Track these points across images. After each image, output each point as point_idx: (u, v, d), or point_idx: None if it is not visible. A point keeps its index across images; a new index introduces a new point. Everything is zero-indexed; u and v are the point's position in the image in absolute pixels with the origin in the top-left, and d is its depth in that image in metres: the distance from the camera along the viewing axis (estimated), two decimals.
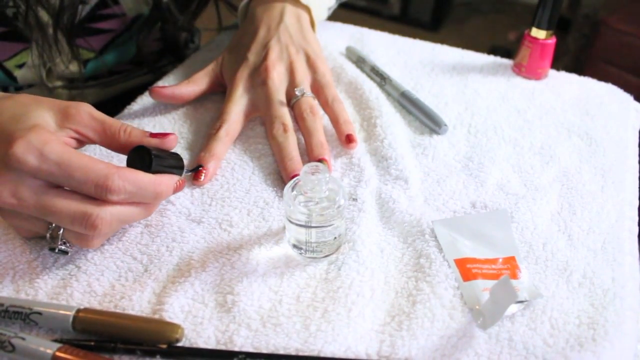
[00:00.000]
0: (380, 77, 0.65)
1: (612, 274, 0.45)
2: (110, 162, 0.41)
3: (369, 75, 0.67)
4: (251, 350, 0.39)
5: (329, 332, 0.40)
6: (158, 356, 0.38)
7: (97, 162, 0.40)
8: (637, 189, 0.55)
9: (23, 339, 0.37)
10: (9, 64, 0.64)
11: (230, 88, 0.58)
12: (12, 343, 0.37)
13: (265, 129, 0.58)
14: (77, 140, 0.44)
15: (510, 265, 0.45)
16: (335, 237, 0.45)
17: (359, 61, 0.69)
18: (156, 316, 0.41)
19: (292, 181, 0.44)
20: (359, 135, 0.58)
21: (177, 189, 0.46)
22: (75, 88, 0.70)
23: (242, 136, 0.58)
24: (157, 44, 0.77)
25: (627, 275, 0.45)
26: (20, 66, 0.65)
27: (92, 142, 0.45)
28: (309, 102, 0.56)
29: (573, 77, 0.70)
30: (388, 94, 0.64)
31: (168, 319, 0.40)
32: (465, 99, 0.65)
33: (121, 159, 0.49)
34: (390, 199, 0.50)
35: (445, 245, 0.46)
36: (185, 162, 0.54)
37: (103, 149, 0.49)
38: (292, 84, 0.58)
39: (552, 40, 0.66)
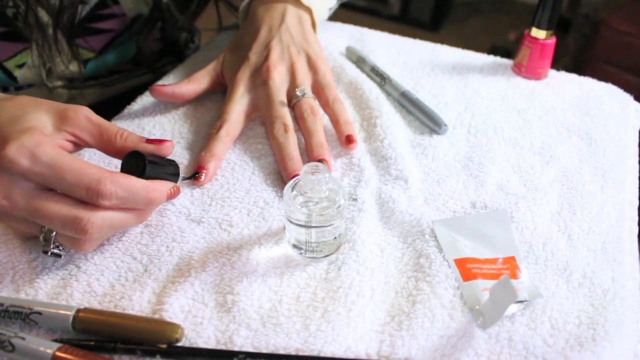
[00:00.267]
0: (380, 77, 0.65)
1: (612, 274, 0.45)
2: (103, 167, 0.41)
3: (369, 75, 0.67)
4: (251, 350, 0.39)
5: (329, 332, 0.40)
6: (158, 356, 0.38)
7: (89, 166, 0.40)
8: (637, 189, 0.55)
9: (23, 338, 0.37)
10: (9, 64, 0.64)
11: (231, 88, 0.58)
12: (12, 343, 0.37)
13: (265, 129, 0.58)
14: (74, 143, 0.44)
15: (510, 265, 0.45)
16: (335, 237, 0.45)
17: (359, 61, 0.69)
18: (156, 316, 0.41)
19: (292, 181, 0.44)
20: (359, 135, 0.58)
21: (171, 196, 0.45)
22: (75, 88, 0.70)
23: (242, 136, 0.58)
24: (157, 44, 0.77)
25: (627, 275, 0.45)
26: (20, 66, 0.65)
27: (89, 145, 0.44)
28: (310, 102, 0.57)
29: (573, 77, 0.70)
30: (388, 94, 0.64)
31: (168, 319, 0.40)
32: (465, 99, 0.65)
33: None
34: (390, 199, 0.50)
35: (445, 245, 0.46)
36: (185, 161, 0.55)
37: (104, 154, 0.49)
38: (293, 84, 0.58)
39: (552, 40, 0.66)
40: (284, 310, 0.41)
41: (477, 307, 0.42)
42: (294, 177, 0.47)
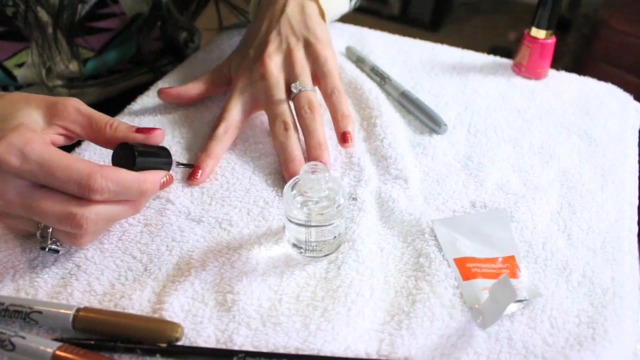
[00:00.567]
0: (380, 77, 0.65)
1: (612, 274, 0.45)
2: (93, 162, 0.40)
3: (368, 75, 0.67)
4: (251, 349, 0.39)
5: (329, 331, 0.40)
6: (158, 355, 0.38)
7: (79, 162, 0.40)
8: (637, 189, 0.55)
9: (23, 337, 0.38)
10: (9, 63, 0.64)
11: (231, 85, 0.58)
12: (12, 342, 0.37)
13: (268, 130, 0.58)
14: (66, 136, 0.44)
15: (510, 264, 0.45)
16: (335, 236, 0.45)
17: (359, 61, 0.69)
18: (156, 315, 0.41)
19: (292, 180, 0.44)
20: (358, 134, 0.58)
21: (164, 185, 0.45)
22: (75, 87, 0.70)
23: (242, 136, 0.58)
24: (157, 43, 0.77)
25: (627, 275, 0.45)
26: (20, 65, 0.65)
27: (80, 137, 0.44)
28: (308, 97, 0.55)
29: (573, 77, 0.70)
30: (388, 94, 0.64)
31: (168, 318, 0.40)
32: (465, 98, 0.65)
33: None
34: (390, 199, 0.50)
35: (444, 245, 0.46)
36: (185, 161, 0.54)
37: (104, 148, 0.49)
38: (291, 75, 0.56)
39: (552, 40, 0.66)
40: (284, 309, 0.41)
41: (476, 306, 0.42)
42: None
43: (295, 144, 0.53)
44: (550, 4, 0.64)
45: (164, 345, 0.39)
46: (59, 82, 0.68)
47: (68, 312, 0.39)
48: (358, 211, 0.49)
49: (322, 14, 0.62)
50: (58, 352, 0.37)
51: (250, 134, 0.58)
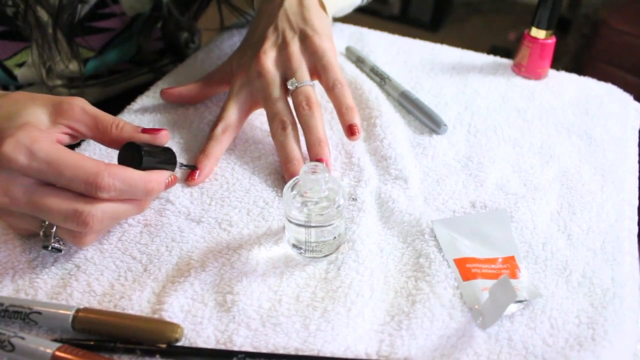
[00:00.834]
0: (380, 77, 0.65)
1: (612, 274, 0.45)
2: (100, 160, 0.41)
3: (368, 75, 0.67)
4: (251, 349, 0.39)
5: (329, 331, 0.40)
6: (158, 356, 0.38)
7: (86, 160, 0.40)
8: (637, 189, 0.55)
9: (23, 338, 0.37)
10: (9, 63, 0.64)
11: (230, 85, 0.58)
12: (11, 342, 0.37)
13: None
14: (71, 135, 0.44)
15: (510, 264, 0.45)
16: (334, 237, 0.45)
17: (359, 61, 0.69)
18: (156, 316, 0.41)
19: (291, 181, 0.44)
20: None
21: (168, 185, 0.45)
22: (75, 87, 0.70)
23: (242, 136, 0.57)
24: (157, 43, 0.77)
25: (627, 275, 0.45)
26: (21, 65, 0.65)
27: (85, 136, 0.45)
28: (305, 92, 0.54)
29: (573, 77, 0.70)
30: (388, 94, 0.64)
31: (167, 319, 0.40)
32: (465, 98, 0.65)
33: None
34: (390, 199, 0.50)
35: (444, 245, 0.46)
36: (185, 162, 0.54)
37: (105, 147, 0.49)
38: (288, 71, 0.55)
39: (552, 40, 0.66)
40: (284, 309, 0.41)
41: (476, 306, 0.42)
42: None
43: (293, 144, 0.53)
44: (550, 4, 0.64)
45: (163, 346, 0.39)
46: (59, 82, 0.68)
47: (67, 312, 0.39)
48: (358, 211, 0.49)
49: (323, 6, 0.60)
50: (57, 353, 0.37)
51: (250, 134, 0.58)
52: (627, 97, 0.67)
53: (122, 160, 0.44)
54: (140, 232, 0.47)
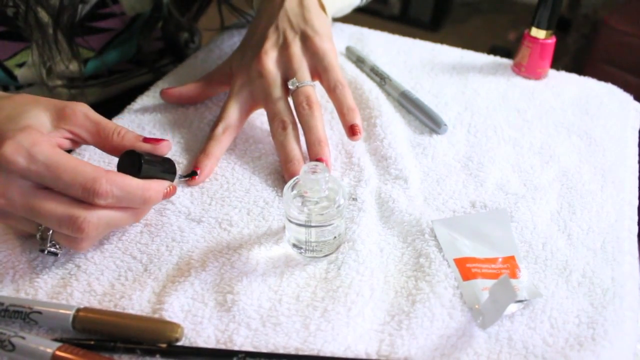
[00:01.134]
0: (380, 77, 0.65)
1: (612, 274, 0.45)
2: (100, 166, 0.40)
3: (368, 75, 0.67)
4: (251, 349, 0.39)
5: (329, 331, 0.40)
6: (158, 355, 0.38)
7: (85, 165, 0.40)
8: (637, 189, 0.55)
9: (23, 338, 0.38)
10: (10, 63, 0.64)
11: (231, 85, 0.58)
12: (12, 342, 0.37)
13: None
14: (72, 140, 0.44)
15: (510, 264, 0.45)
16: (335, 237, 0.45)
17: (359, 61, 0.69)
18: (156, 315, 0.41)
19: (292, 181, 0.44)
20: None
21: (167, 195, 0.45)
22: (75, 87, 0.70)
23: (242, 136, 0.57)
24: (157, 43, 0.77)
25: (627, 275, 0.45)
26: (21, 65, 0.65)
27: (86, 142, 0.44)
28: (306, 92, 0.54)
29: (573, 77, 0.70)
30: (388, 94, 0.64)
31: (168, 318, 0.40)
32: (465, 98, 0.65)
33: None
34: (390, 199, 0.50)
35: (444, 245, 0.46)
36: (185, 162, 0.55)
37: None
38: (289, 71, 0.55)
39: (552, 40, 0.66)
40: (284, 309, 0.41)
41: (476, 306, 0.42)
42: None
43: (293, 144, 0.53)
44: (550, 4, 0.64)
45: (163, 345, 0.39)
46: (59, 82, 0.68)
47: (68, 312, 0.39)
48: (358, 211, 0.49)
49: (323, 6, 0.60)
50: (58, 353, 0.37)
51: (250, 134, 0.58)
52: (627, 97, 0.67)
53: (121, 168, 0.43)
54: (140, 231, 0.47)
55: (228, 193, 0.51)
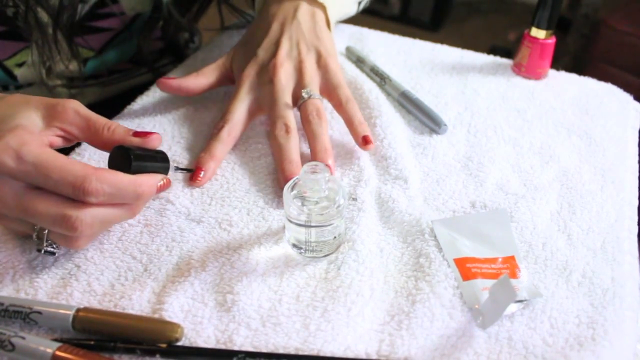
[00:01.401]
0: (380, 77, 0.65)
1: (612, 274, 0.45)
2: (89, 164, 0.40)
3: (368, 75, 0.67)
4: (251, 349, 0.39)
5: (329, 331, 0.40)
6: (158, 355, 0.38)
7: (75, 164, 0.39)
8: (637, 189, 0.55)
9: (23, 338, 0.37)
10: (9, 63, 0.64)
11: (236, 85, 0.58)
12: (12, 342, 0.37)
13: (267, 129, 0.58)
14: (64, 138, 0.44)
15: (510, 264, 0.45)
16: (335, 237, 0.45)
17: (359, 61, 0.69)
18: (156, 315, 0.41)
19: (292, 181, 0.44)
20: None
21: (161, 188, 0.45)
22: (75, 87, 0.70)
23: (243, 136, 0.57)
24: (157, 43, 0.77)
25: (627, 275, 0.45)
26: (20, 65, 0.65)
27: (78, 139, 0.44)
28: (316, 104, 0.55)
29: (573, 77, 0.70)
30: (388, 94, 0.64)
31: (168, 319, 0.40)
32: (465, 98, 0.65)
33: None
34: (390, 199, 0.50)
35: (444, 245, 0.46)
36: (186, 161, 0.54)
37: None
38: (299, 84, 0.57)
39: (552, 40, 0.66)
40: (284, 309, 0.41)
41: (476, 306, 0.42)
42: (289, 180, 0.47)
43: (295, 148, 0.53)
44: (550, 4, 0.64)
45: (163, 345, 0.39)
46: (58, 82, 0.68)
47: (68, 312, 0.39)
48: (358, 211, 0.49)
49: (328, 22, 0.62)
50: (58, 353, 0.37)
51: (250, 134, 0.58)
52: (627, 97, 0.67)
53: (112, 164, 0.43)
54: (140, 232, 0.47)
55: (228, 193, 0.51)
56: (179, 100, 0.62)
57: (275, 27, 0.60)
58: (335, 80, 0.58)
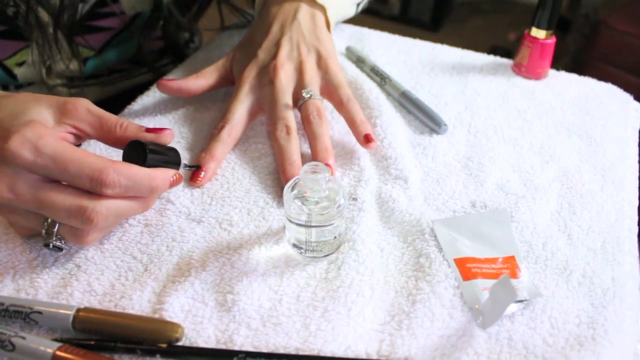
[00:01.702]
0: (380, 77, 0.65)
1: (612, 274, 0.45)
2: (105, 157, 0.41)
3: (368, 75, 0.67)
4: (251, 349, 0.39)
5: (329, 331, 0.40)
6: (158, 355, 0.38)
7: (91, 156, 0.40)
8: (637, 189, 0.55)
9: (23, 338, 0.38)
10: (9, 62, 0.64)
11: (236, 85, 0.58)
12: (12, 342, 0.37)
13: (267, 129, 0.58)
14: (75, 135, 0.44)
15: (510, 264, 0.45)
16: (335, 237, 0.45)
17: (359, 61, 0.69)
18: (156, 315, 0.41)
19: (292, 181, 0.44)
20: None
21: (173, 184, 0.45)
22: (75, 86, 0.70)
23: (243, 136, 0.57)
24: (157, 43, 0.77)
25: (627, 275, 0.45)
26: (21, 64, 0.65)
27: (90, 136, 0.45)
28: (316, 104, 0.55)
29: (573, 77, 0.70)
30: (388, 94, 0.64)
31: (168, 318, 0.40)
32: (465, 98, 0.65)
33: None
34: (390, 199, 0.50)
35: (445, 245, 0.46)
36: (186, 161, 0.54)
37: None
38: (300, 84, 0.57)
39: (552, 40, 0.66)
40: (284, 309, 0.41)
41: (477, 306, 0.42)
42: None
43: (295, 149, 0.53)
44: (550, 4, 0.64)
45: (164, 345, 0.39)
46: (59, 81, 0.68)
47: (68, 312, 0.39)
48: (358, 211, 0.49)
49: (328, 25, 0.63)
50: (58, 353, 0.37)
51: (250, 134, 0.58)
52: (627, 97, 0.67)
53: (126, 158, 0.44)
54: (140, 231, 0.47)
55: (228, 193, 0.51)
56: (179, 100, 0.62)
57: (275, 28, 0.60)
58: (336, 80, 0.58)
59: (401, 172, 0.53)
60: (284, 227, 0.47)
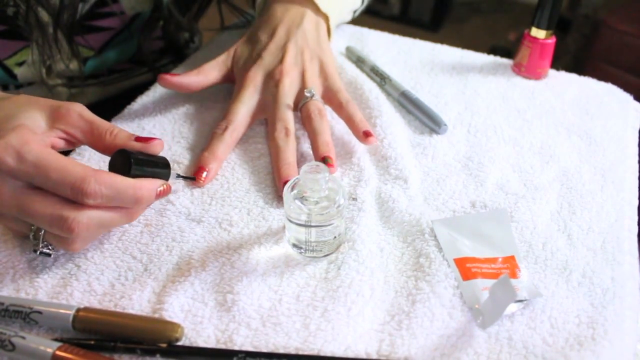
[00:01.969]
0: (380, 77, 0.65)
1: (612, 274, 0.45)
2: (89, 166, 0.40)
3: (368, 75, 0.67)
4: (251, 349, 0.39)
5: (329, 331, 0.40)
6: (158, 355, 0.38)
7: (75, 165, 0.39)
8: (637, 189, 0.55)
9: (23, 338, 0.37)
10: (9, 62, 0.64)
11: (240, 86, 0.58)
12: (12, 342, 0.37)
13: (267, 130, 0.58)
14: (66, 140, 0.44)
15: (510, 264, 0.45)
16: (335, 237, 0.45)
17: (359, 61, 0.69)
18: (156, 315, 0.41)
19: (291, 181, 0.44)
20: None
21: (160, 195, 0.44)
22: (75, 86, 0.70)
23: (242, 136, 0.57)
24: (157, 43, 0.77)
25: (627, 275, 0.45)
26: (20, 64, 0.65)
27: (81, 142, 0.44)
28: (318, 105, 0.56)
29: (573, 77, 0.70)
30: (388, 94, 0.64)
31: (168, 318, 0.40)
32: (465, 98, 0.65)
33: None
34: (390, 199, 0.50)
35: (444, 245, 0.46)
36: (186, 161, 0.54)
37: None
38: (302, 90, 0.58)
39: (552, 40, 0.66)
40: (284, 309, 0.41)
41: (476, 306, 0.42)
42: (285, 182, 0.46)
43: (292, 150, 0.53)
44: (550, 4, 0.64)
45: (164, 345, 0.39)
46: (59, 81, 0.68)
47: (68, 312, 0.39)
48: (358, 211, 0.49)
49: (329, 32, 0.64)
50: (58, 352, 0.37)
51: (250, 134, 0.58)
52: (627, 97, 0.67)
53: (112, 168, 0.43)
54: (140, 231, 0.47)
55: (228, 193, 0.51)
56: (179, 99, 0.62)
57: (281, 32, 0.61)
58: (336, 86, 0.59)
59: (401, 172, 0.53)
60: (284, 227, 0.47)
